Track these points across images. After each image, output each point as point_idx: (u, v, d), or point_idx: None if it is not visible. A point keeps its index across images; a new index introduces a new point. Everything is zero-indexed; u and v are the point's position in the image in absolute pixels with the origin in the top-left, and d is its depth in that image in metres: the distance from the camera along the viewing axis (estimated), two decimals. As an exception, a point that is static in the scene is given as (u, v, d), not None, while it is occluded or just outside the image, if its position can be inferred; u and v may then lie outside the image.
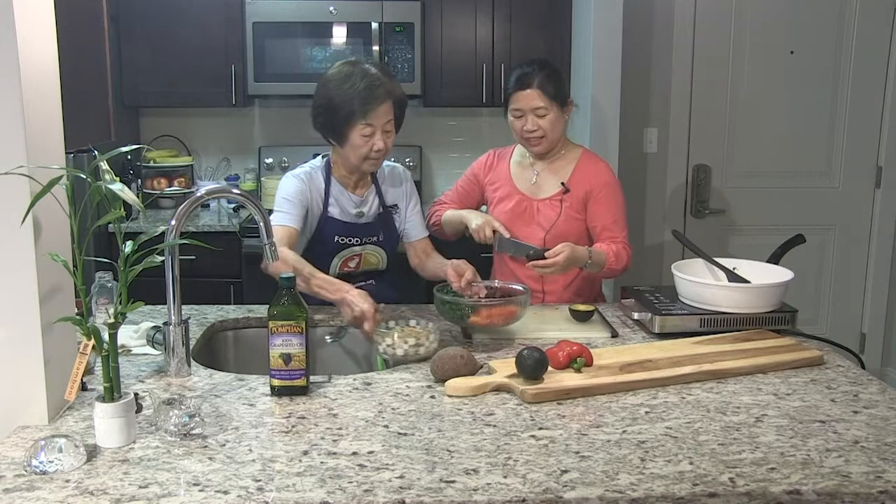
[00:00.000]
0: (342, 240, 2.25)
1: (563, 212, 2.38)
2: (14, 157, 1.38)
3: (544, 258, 2.17)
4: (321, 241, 2.25)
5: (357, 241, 2.27)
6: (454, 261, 2.16)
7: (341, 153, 2.20)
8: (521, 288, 2.07)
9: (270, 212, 2.13)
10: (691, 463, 1.34)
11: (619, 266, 2.34)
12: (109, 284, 2.00)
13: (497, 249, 2.36)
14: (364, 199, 2.29)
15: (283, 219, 2.16)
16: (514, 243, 2.30)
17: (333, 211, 2.25)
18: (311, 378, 1.66)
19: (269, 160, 4.10)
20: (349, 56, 3.76)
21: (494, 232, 2.31)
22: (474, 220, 2.36)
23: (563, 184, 2.39)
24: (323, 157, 2.29)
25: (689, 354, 1.83)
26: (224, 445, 1.39)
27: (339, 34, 3.75)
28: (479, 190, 2.54)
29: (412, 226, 2.38)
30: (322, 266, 2.20)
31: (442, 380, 1.68)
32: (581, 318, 2.13)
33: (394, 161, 2.44)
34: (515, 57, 3.78)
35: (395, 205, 2.34)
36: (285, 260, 2.00)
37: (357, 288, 2.19)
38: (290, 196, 2.19)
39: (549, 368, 1.68)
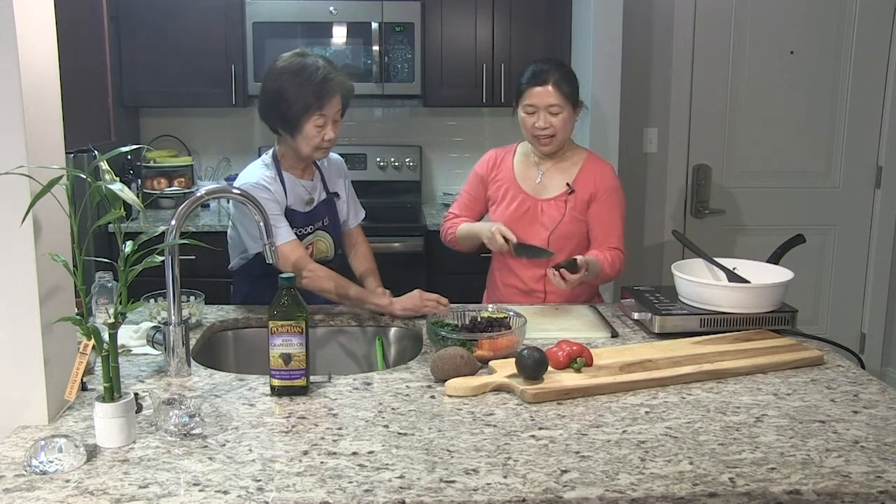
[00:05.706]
0: (299, 231, 2.27)
1: (568, 212, 2.37)
2: (14, 157, 1.38)
3: (575, 266, 2.16)
4: None
5: (310, 228, 2.30)
6: (380, 292, 2.24)
7: (291, 144, 2.21)
8: (514, 312, 1.99)
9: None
10: (691, 463, 1.34)
11: (614, 273, 2.36)
12: (109, 284, 2.01)
13: (515, 255, 2.33)
14: (314, 184, 2.33)
15: (287, 233, 2.18)
16: (530, 248, 2.29)
17: (292, 203, 2.27)
18: (311, 378, 1.66)
19: (269, 160, 4.10)
20: (349, 56, 3.77)
21: (507, 239, 2.27)
22: (485, 233, 2.33)
23: (568, 184, 2.39)
24: (268, 152, 2.29)
25: (689, 354, 1.83)
26: (224, 445, 1.39)
27: (339, 34, 3.75)
28: (485, 192, 2.52)
29: (350, 214, 2.45)
30: None
31: (442, 380, 1.68)
32: (571, 269, 2.16)
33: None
34: (515, 57, 3.78)
35: (336, 192, 2.38)
36: (329, 277, 2.16)
37: None
38: (275, 210, 2.16)
39: (549, 368, 1.68)
